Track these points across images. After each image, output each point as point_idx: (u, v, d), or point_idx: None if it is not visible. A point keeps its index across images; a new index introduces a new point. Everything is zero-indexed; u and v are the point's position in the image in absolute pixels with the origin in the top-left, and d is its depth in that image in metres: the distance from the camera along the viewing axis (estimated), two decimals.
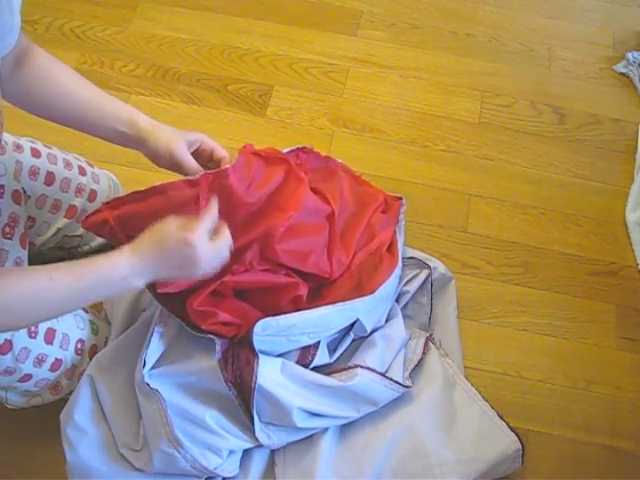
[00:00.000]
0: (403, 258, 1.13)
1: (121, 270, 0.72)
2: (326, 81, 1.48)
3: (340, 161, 1.16)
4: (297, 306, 0.96)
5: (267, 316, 0.92)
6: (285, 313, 0.93)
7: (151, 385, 0.89)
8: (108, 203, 0.85)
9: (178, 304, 0.92)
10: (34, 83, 0.80)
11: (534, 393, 1.12)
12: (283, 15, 1.58)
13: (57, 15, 1.56)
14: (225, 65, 1.50)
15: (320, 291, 1.01)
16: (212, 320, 0.91)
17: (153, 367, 0.93)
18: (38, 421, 1.04)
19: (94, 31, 1.53)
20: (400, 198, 1.18)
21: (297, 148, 1.08)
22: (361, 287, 1.01)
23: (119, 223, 0.84)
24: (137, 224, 0.78)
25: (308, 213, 0.95)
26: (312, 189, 1.00)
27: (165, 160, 0.84)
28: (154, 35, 1.53)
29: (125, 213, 0.83)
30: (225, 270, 0.87)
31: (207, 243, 0.76)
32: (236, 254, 0.87)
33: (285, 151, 1.02)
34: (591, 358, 1.16)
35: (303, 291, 0.95)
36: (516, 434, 1.00)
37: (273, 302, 0.95)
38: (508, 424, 1.01)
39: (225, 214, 0.82)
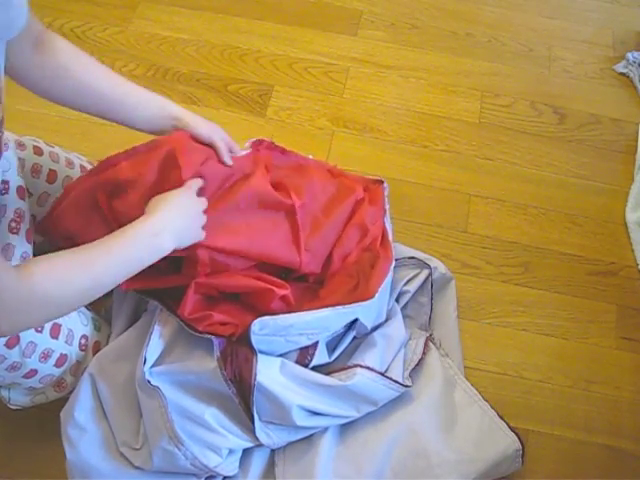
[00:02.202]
0: (403, 258, 1.13)
1: (148, 228, 0.78)
2: (326, 81, 1.48)
3: (310, 157, 1.12)
4: (288, 305, 0.96)
5: (262, 316, 0.92)
6: (279, 313, 0.94)
7: (152, 382, 0.90)
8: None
9: (176, 304, 0.93)
10: (57, 77, 0.83)
11: (534, 393, 1.12)
12: (283, 15, 1.58)
13: (57, 15, 1.56)
14: (225, 65, 1.50)
15: (318, 292, 1.01)
16: (208, 322, 0.91)
17: (153, 365, 0.93)
18: (38, 421, 1.04)
19: (94, 31, 1.53)
20: (382, 182, 1.15)
21: (255, 141, 1.03)
22: (359, 288, 1.00)
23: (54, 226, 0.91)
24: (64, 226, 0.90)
25: (265, 207, 0.95)
26: (276, 184, 0.98)
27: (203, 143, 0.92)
28: (154, 35, 1.53)
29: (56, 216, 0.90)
30: (192, 273, 0.92)
31: (195, 197, 0.87)
32: (192, 257, 0.91)
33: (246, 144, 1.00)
34: (591, 358, 1.16)
35: (283, 292, 0.94)
36: (516, 434, 1.00)
37: (263, 305, 0.95)
38: (508, 424, 1.01)
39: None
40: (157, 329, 0.94)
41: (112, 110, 0.89)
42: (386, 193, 1.15)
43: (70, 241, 0.92)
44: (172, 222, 0.81)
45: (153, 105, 0.91)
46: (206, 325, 0.91)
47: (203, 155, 0.91)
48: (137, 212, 0.81)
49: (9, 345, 0.83)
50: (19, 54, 0.77)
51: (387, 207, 1.14)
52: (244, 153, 0.99)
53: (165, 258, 0.97)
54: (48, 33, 0.82)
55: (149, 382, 0.89)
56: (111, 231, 0.77)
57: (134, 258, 0.77)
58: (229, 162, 0.93)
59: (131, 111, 0.89)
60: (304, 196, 1.00)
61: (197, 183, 0.88)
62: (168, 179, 0.86)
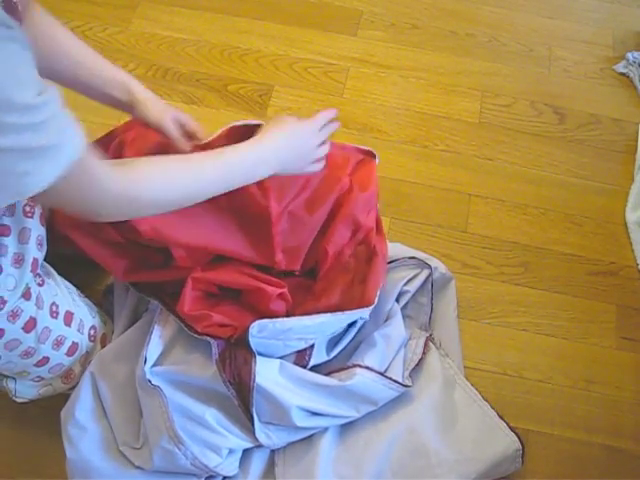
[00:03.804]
0: (403, 258, 1.13)
1: (257, 153, 0.84)
2: (326, 81, 1.48)
3: None
4: (286, 302, 0.96)
5: (261, 318, 0.92)
6: (278, 313, 0.94)
7: (152, 382, 0.90)
8: None
9: (176, 303, 0.93)
10: (35, 41, 0.82)
11: (534, 393, 1.12)
12: (283, 15, 1.58)
13: (57, 15, 1.53)
14: (225, 65, 1.50)
15: (312, 287, 1.00)
16: (207, 322, 0.91)
17: (153, 365, 0.93)
18: (38, 420, 1.04)
19: (94, 31, 1.53)
20: (373, 156, 1.09)
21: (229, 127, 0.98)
22: (355, 286, 0.99)
23: None
24: None
25: (241, 208, 0.93)
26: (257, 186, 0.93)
27: (153, 128, 0.92)
28: (154, 35, 1.53)
29: None
30: (178, 265, 0.92)
31: (317, 133, 0.90)
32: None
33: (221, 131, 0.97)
34: (591, 358, 1.16)
35: (278, 291, 0.93)
36: (516, 434, 1.00)
37: (262, 305, 0.94)
38: (508, 424, 1.01)
39: None
40: (157, 329, 0.94)
41: (87, 81, 0.89)
42: (376, 164, 1.09)
43: (69, 241, 0.92)
44: (280, 154, 0.86)
45: (121, 83, 0.91)
46: (205, 326, 0.91)
47: (151, 142, 0.92)
48: None
49: (26, 329, 0.84)
50: None
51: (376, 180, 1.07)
52: (211, 138, 0.95)
53: (159, 253, 0.97)
54: (32, 2, 0.84)
55: (150, 381, 0.89)
56: None
57: (237, 173, 0.83)
58: (185, 148, 0.92)
59: (103, 86, 0.90)
60: (287, 194, 0.96)
61: (325, 117, 0.91)
62: None
